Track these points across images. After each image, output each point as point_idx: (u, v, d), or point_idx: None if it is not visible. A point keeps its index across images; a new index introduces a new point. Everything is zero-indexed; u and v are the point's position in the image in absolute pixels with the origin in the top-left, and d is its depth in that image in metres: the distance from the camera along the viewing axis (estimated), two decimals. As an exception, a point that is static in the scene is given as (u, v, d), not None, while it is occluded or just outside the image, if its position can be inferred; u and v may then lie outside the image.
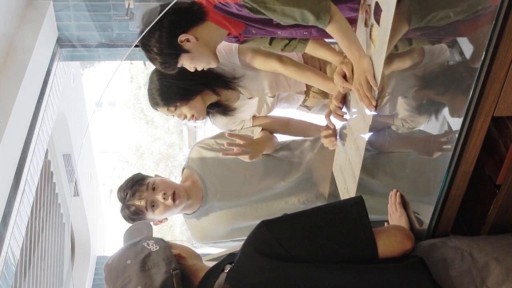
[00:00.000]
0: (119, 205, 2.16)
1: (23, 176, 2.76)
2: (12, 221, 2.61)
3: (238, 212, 2.24)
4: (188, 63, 1.91)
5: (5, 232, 2.54)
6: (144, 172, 2.26)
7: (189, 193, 2.18)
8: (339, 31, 1.75)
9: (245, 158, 2.10)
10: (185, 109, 2.13)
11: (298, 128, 2.41)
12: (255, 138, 2.21)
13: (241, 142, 2.08)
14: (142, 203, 2.07)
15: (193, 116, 2.15)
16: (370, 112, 1.71)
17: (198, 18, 1.86)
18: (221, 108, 2.25)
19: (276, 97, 2.26)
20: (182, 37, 1.84)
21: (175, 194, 2.10)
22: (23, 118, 2.82)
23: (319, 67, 2.26)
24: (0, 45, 2.78)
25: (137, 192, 2.08)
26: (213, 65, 1.95)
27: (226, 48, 2.19)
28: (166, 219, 2.20)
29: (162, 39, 1.83)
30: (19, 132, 2.77)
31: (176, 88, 2.12)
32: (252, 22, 1.86)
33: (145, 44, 1.87)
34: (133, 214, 2.09)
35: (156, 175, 2.21)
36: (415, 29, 1.37)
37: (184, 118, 2.16)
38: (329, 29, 1.76)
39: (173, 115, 2.18)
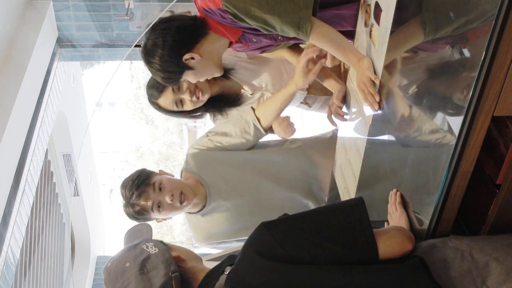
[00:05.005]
0: (121, 202, 2.11)
1: (23, 176, 2.76)
2: (12, 221, 2.61)
3: (245, 209, 2.19)
4: (192, 78, 1.91)
5: (5, 232, 2.54)
6: None
7: (195, 191, 2.13)
8: (326, 40, 1.74)
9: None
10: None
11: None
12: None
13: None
14: (148, 203, 2.01)
15: (197, 88, 2.08)
16: (372, 112, 1.71)
17: (201, 33, 1.85)
18: (225, 101, 2.22)
19: None
20: (187, 56, 1.82)
21: (183, 194, 2.05)
22: (23, 118, 2.82)
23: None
24: (0, 45, 2.78)
25: (144, 193, 2.02)
26: (216, 75, 1.95)
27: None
28: (171, 217, 2.15)
29: (164, 57, 1.81)
30: (19, 132, 2.77)
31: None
32: (247, 29, 1.85)
33: (148, 60, 1.85)
34: (137, 214, 2.04)
35: (160, 171, 2.17)
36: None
37: (191, 94, 2.08)
38: (314, 40, 1.74)
39: (180, 101, 2.11)
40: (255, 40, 1.92)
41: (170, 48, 1.81)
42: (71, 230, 4.52)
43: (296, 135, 2.40)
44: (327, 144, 2.35)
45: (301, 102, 2.34)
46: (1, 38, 2.79)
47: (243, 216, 2.20)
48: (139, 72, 12.53)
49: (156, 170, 2.18)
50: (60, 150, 4.11)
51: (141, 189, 2.02)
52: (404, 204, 1.49)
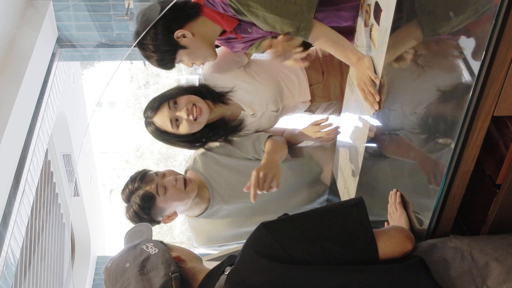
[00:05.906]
0: (122, 207, 2.04)
1: (23, 176, 2.76)
2: (12, 221, 2.61)
3: (247, 214, 2.17)
4: (186, 59, 1.90)
5: (5, 232, 2.54)
6: None
7: (198, 188, 2.09)
8: (325, 40, 1.75)
9: (276, 187, 1.93)
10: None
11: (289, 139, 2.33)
12: (262, 161, 2.02)
13: (258, 185, 1.88)
14: (152, 186, 1.97)
15: (195, 107, 2.00)
16: (372, 112, 1.71)
17: (192, 13, 1.87)
18: (227, 127, 2.17)
19: (280, 110, 2.23)
20: (178, 33, 1.84)
21: (186, 180, 2.02)
22: (23, 118, 2.82)
23: (320, 66, 2.25)
24: (0, 45, 2.78)
25: (146, 178, 1.99)
26: (210, 59, 1.95)
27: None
28: (176, 214, 2.08)
29: (157, 36, 1.83)
30: (19, 132, 2.77)
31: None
32: (245, 20, 1.86)
33: (140, 42, 1.87)
34: (142, 201, 1.95)
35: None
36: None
37: (188, 112, 2.00)
38: (313, 40, 1.76)
39: (176, 120, 2.03)
40: (250, 31, 1.92)
41: (161, 25, 1.82)
42: (71, 230, 4.52)
43: None
44: (328, 146, 2.35)
45: (304, 110, 2.33)
46: (1, 38, 2.79)
47: (245, 221, 2.19)
48: (139, 72, 12.53)
49: (156, 170, 2.16)
50: (60, 150, 4.11)
51: (143, 174, 2.02)
52: (404, 204, 1.49)
